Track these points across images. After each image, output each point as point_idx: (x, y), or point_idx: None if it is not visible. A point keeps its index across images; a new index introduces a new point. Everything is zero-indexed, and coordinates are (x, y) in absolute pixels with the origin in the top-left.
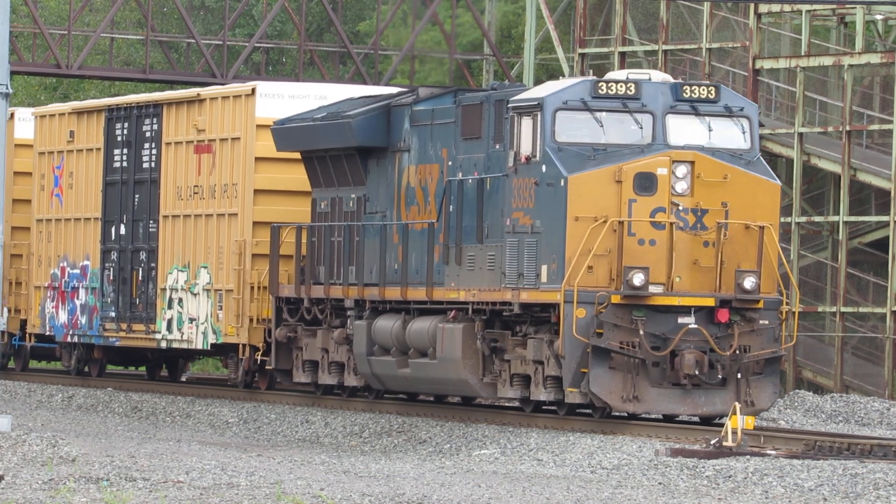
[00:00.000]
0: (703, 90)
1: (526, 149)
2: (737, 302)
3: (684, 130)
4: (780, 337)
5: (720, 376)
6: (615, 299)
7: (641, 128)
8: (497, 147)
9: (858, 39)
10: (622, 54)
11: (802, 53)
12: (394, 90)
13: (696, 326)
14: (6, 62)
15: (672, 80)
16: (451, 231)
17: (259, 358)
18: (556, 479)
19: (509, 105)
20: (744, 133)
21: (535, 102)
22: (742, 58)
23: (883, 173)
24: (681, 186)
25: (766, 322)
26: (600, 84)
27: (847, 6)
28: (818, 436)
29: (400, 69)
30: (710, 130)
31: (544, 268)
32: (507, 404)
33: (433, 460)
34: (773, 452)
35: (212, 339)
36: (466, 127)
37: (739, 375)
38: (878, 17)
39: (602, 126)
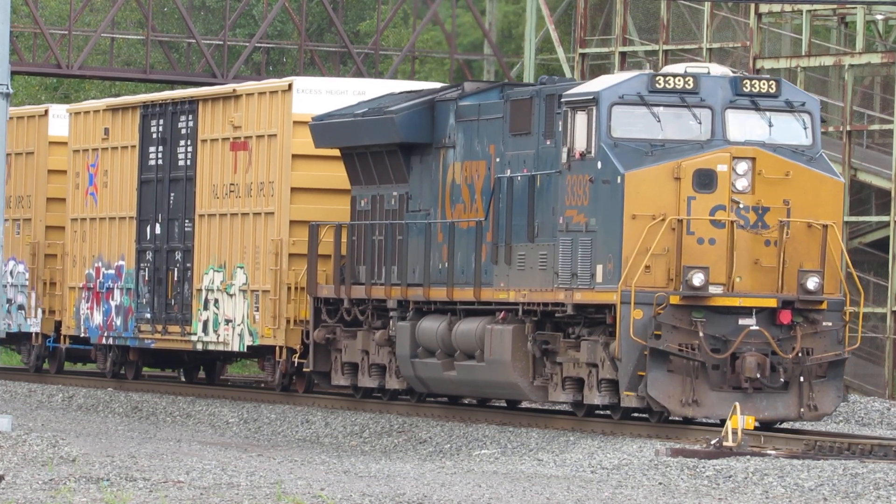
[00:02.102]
0: (764, 84)
1: (580, 145)
2: (799, 303)
3: (744, 126)
4: (843, 339)
5: (782, 380)
6: (674, 300)
7: (700, 123)
8: (548, 143)
9: (859, 39)
10: (623, 54)
11: (803, 53)
12: (436, 85)
13: (757, 328)
14: (6, 62)
15: (731, 73)
16: (500, 229)
17: (296, 360)
18: (557, 479)
19: (562, 100)
20: (805, 129)
21: (591, 97)
22: (742, 58)
23: (883, 173)
24: (741, 184)
25: (830, 324)
26: (657, 78)
27: (847, 6)
28: (818, 436)
29: (400, 69)
30: (770, 126)
31: (599, 267)
32: (557, 408)
33: (433, 460)
34: (774, 452)
35: (248, 340)
36: (515, 122)
37: (802, 379)
38: (879, 17)
39: (659, 121)
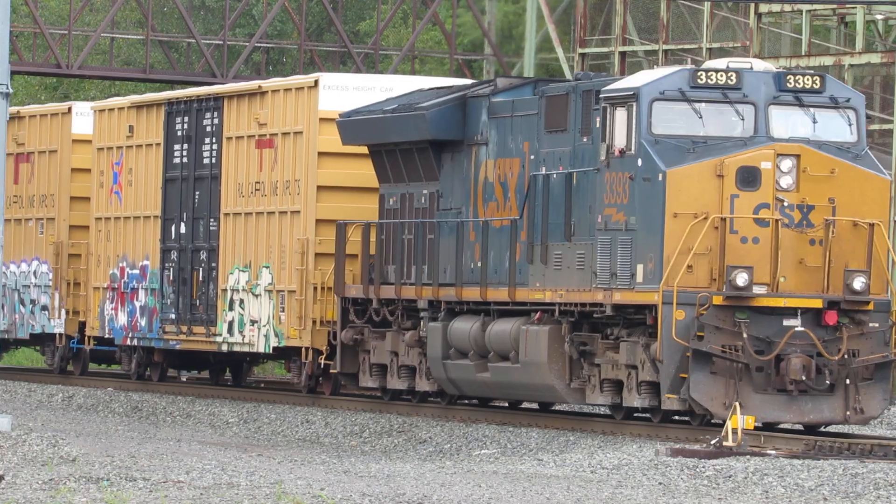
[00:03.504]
0: (808, 80)
1: (620, 141)
2: (845, 303)
3: (788, 122)
4: (890, 340)
5: (828, 382)
6: (717, 300)
7: (743, 119)
8: (585, 140)
9: (859, 39)
10: (622, 54)
11: (803, 53)
12: (467, 81)
13: (802, 329)
14: (6, 62)
15: (774, 68)
16: (536, 228)
17: (323, 362)
18: (557, 479)
19: (601, 95)
20: (850, 125)
21: (631, 92)
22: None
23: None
24: (786, 181)
25: (877, 325)
26: (699, 73)
27: (847, 6)
28: (818, 436)
29: (400, 69)
30: (814, 122)
31: (640, 267)
32: (595, 411)
33: (433, 460)
34: (774, 452)
35: (274, 342)
36: (551, 119)
37: (848, 381)
38: (879, 16)
39: (701, 117)
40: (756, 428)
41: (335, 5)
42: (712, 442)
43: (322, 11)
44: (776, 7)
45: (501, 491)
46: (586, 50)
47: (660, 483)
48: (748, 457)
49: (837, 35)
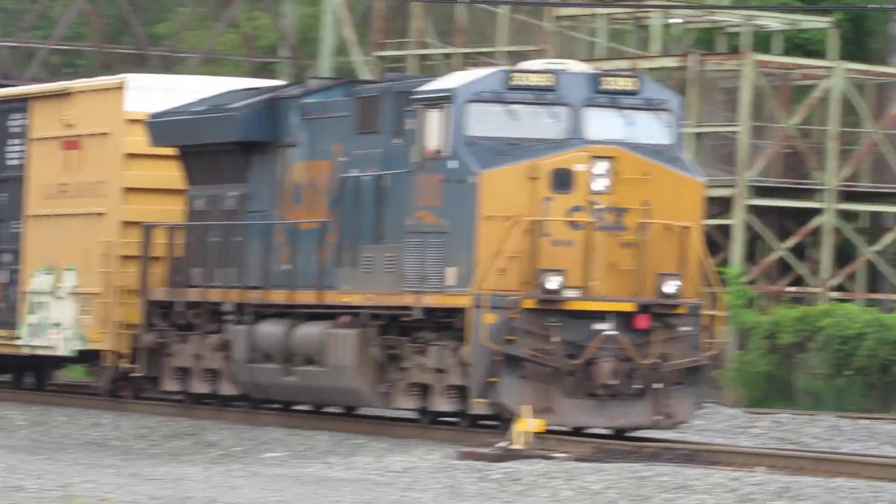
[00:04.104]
0: (624, 81)
1: (433, 143)
2: (657, 307)
3: (603, 124)
4: (701, 345)
5: (638, 386)
6: (528, 304)
7: (558, 121)
8: (397, 141)
9: (655, 43)
10: (419, 57)
11: (599, 57)
12: (279, 82)
13: (613, 333)
14: None
15: (591, 70)
16: (345, 231)
17: (125, 365)
18: (345, 483)
19: (414, 97)
20: (666, 127)
21: (445, 94)
22: None
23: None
24: (599, 184)
25: (688, 329)
26: (514, 75)
27: (644, 10)
28: (606, 439)
29: (197, 71)
30: (630, 124)
31: (451, 270)
32: (401, 415)
33: (222, 463)
34: (561, 455)
35: (77, 345)
36: (362, 120)
37: (658, 386)
38: (675, 20)
39: (516, 119)
40: (566, 433)
41: (132, 7)
42: (500, 445)
43: (120, 14)
44: (573, 11)
45: (290, 494)
46: (384, 53)
47: (448, 486)
48: (536, 460)
49: (634, 39)
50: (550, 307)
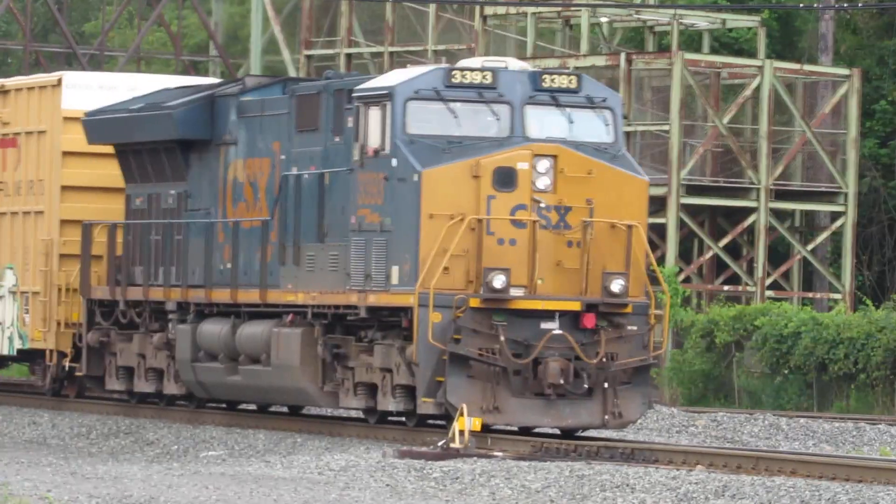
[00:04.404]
0: (564, 79)
1: (374, 141)
2: (604, 306)
3: (544, 122)
4: (649, 344)
5: (586, 386)
6: (474, 303)
7: (499, 119)
8: (337, 140)
9: (584, 42)
10: (348, 56)
11: (528, 56)
12: (215, 80)
13: (560, 332)
14: None
15: (531, 68)
16: (287, 229)
17: (67, 364)
18: (284, 481)
19: (354, 94)
20: (607, 125)
21: (385, 91)
22: None
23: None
24: (543, 182)
25: (635, 328)
26: (454, 72)
27: (572, 9)
28: (545, 438)
29: (126, 70)
30: (571, 123)
31: (395, 269)
32: (347, 415)
33: (161, 461)
34: (501, 454)
35: (18, 344)
36: (301, 118)
37: (606, 385)
38: (604, 19)
39: (457, 117)
40: (506, 432)
41: (60, 6)
42: (439, 444)
43: (47, 12)
44: (501, 10)
45: (229, 493)
46: (312, 52)
47: (387, 485)
48: (475, 459)
49: (563, 38)
50: (496, 306)
